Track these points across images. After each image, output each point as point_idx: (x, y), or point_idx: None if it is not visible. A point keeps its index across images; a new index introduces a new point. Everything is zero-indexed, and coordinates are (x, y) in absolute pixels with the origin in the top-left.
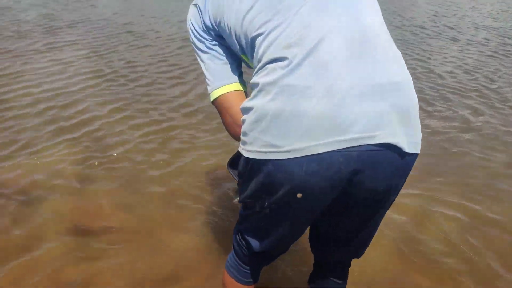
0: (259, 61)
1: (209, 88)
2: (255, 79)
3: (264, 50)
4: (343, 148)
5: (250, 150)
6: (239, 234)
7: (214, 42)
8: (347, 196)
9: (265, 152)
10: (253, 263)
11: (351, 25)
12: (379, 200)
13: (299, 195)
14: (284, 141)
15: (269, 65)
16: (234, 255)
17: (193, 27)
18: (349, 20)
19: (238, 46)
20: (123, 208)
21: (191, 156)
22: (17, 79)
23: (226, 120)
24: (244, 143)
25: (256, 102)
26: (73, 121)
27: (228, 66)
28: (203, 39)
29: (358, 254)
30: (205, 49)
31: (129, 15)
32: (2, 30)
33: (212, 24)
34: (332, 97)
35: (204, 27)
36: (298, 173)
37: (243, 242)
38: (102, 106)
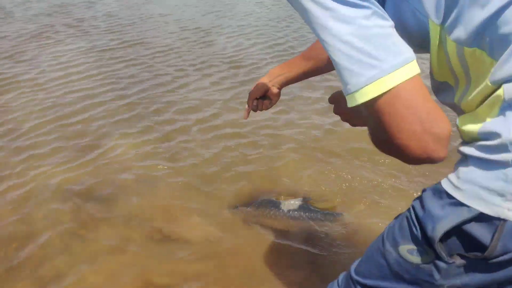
0: None
1: (371, 72)
2: None
3: None
4: None
5: None
6: None
7: None
8: None
9: None
10: None
11: None
12: None
13: None
14: None
15: None
16: None
17: None
18: None
19: (434, 9)
20: (199, 212)
21: (264, 157)
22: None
23: (407, 127)
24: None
25: None
26: (139, 118)
27: (397, 32)
28: None
29: None
30: (360, 2)
31: (190, 11)
32: (68, 28)
33: None
34: None
35: None
36: None
37: None
38: (172, 105)
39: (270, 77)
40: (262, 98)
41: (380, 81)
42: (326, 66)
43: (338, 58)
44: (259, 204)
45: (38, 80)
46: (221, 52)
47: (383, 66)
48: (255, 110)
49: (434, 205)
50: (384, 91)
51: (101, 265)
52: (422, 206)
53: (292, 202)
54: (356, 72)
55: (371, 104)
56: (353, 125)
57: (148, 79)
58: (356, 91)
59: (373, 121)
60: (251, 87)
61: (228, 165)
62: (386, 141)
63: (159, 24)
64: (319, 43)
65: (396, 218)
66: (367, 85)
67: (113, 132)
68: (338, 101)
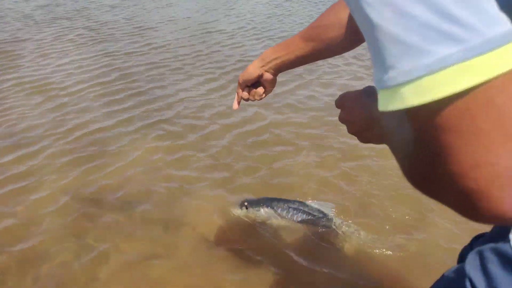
0: None
1: (447, 49)
2: None
3: None
4: None
5: None
6: None
7: None
8: None
9: None
10: None
11: None
12: None
13: None
14: None
15: None
16: None
17: None
18: None
19: None
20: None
21: (305, 163)
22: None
23: (494, 161)
24: None
25: None
26: (169, 123)
27: None
28: None
29: None
30: None
31: (211, 14)
32: (89, 32)
33: None
34: None
35: None
36: None
37: None
38: (203, 113)
39: (263, 61)
40: (254, 86)
41: (462, 67)
42: (331, 49)
43: (382, 19)
44: (272, 202)
45: (62, 84)
46: (249, 54)
47: (471, 39)
48: (246, 100)
49: (506, 282)
50: (467, 87)
51: (144, 273)
52: (488, 283)
53: (313, 205)
54: (416, 47)
55: (431, 110)
56: (366, 141)
57: (175, 82)
58: (409, 82)
59: (423, 144)
60: (282, 89)
61: (266, 171)
62: (443, 180)
63: (182, 27)
64: (324, 19)
65: (440, 281)
66: (434, 72)
67: (141, 138)
68: (350, 105)
